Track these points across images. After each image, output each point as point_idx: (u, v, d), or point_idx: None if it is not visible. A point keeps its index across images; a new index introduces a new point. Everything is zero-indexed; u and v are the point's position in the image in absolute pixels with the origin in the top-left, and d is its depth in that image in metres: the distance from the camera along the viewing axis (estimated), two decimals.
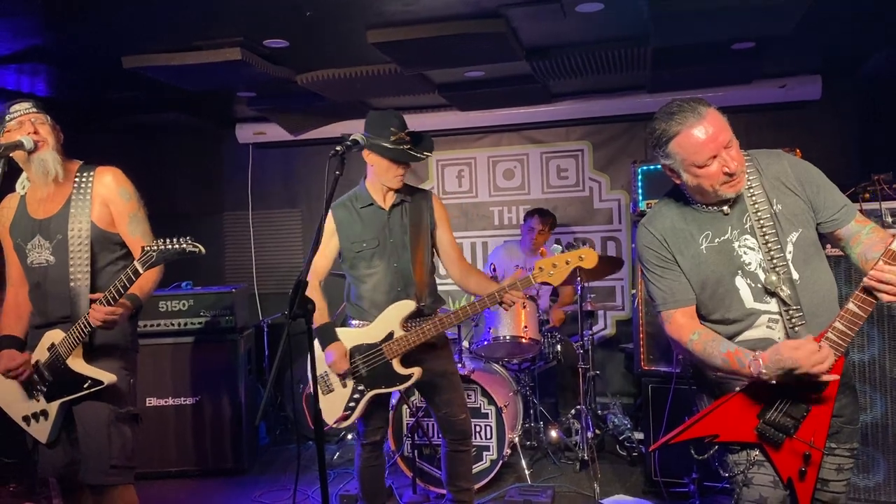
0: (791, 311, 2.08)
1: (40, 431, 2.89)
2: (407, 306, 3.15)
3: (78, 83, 4.70)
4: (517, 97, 5.35)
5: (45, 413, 2.87)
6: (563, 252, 2.95)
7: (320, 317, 3.19)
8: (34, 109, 2.81)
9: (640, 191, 4.29)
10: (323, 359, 3.18)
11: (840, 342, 1.97)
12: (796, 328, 2.08)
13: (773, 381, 2.00)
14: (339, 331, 3.21)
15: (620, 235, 5.88)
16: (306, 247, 6.36)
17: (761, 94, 5.21)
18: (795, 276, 2.11)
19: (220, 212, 6.46)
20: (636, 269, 4.22)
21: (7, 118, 2.79)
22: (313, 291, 3.21)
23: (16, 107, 2.80)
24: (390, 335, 3.13)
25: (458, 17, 3.60)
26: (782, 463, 2.10)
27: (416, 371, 3.15)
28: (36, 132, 2.78)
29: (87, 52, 4.03)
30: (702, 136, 2.04)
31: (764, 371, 1.98)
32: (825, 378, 1.94)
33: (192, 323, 4.87)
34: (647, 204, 4.24)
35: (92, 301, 2.74)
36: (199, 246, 2.61)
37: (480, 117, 5.76)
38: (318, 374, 3.21)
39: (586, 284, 4.57)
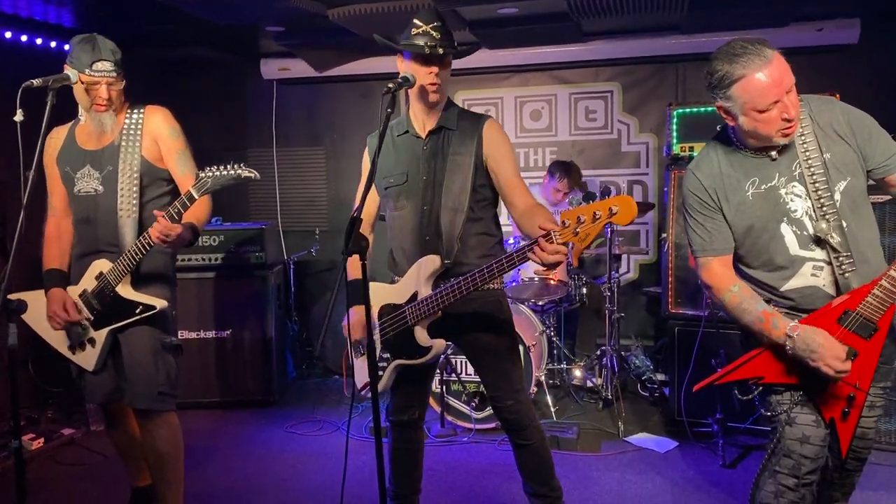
0: (841, 258, 2.11)
1: (86, 359, 2.97)
2: (430, 263, 2.59)
3: (104, 15, 4.65)
4: (548, 36, 5.24)
5: (92, 341, 2.95)
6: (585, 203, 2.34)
7: (353, 270, 2.72)
8: (114, 73, 2.80)
9: (674, 134, 4.26)
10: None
11: (893, 291, 2.02)
12: (846, 274, 2.11)
13: (790, 352, 2.09)
14: (373, 286, 2.65)
15: (647, 179, 5.85)
16: (330, 184, 6.37)
17: (797, 38, 5.09)
18: (844, 223, 2.12)
19: (244, 148, 6.44)
20: (666, 212, 4.23)
21: (87, 71, 2.75)
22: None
23: (98, 65, 2.75)
24: (414, 296, 2.60)
25: None
26: (826, 404, 2.16)
27: (436, 343, 2.60)
28: (109, 98, 2.81)
29: None
30: (767, 81, 2.02)
31: (792, 340, 2.08)
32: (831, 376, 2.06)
33: (222, 258, 4.94)
34: (682, 147, 4.22)
35: (141, 237, 2.78)
36: (254, 171, 2.63)
37: (509, 56, 5.66)
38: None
39: (615, 227, 4.58)
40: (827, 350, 2.04)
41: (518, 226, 2.62)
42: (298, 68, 5.89)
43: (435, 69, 2.55)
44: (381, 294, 2.70)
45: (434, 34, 2.53)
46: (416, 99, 2.65)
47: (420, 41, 2.52)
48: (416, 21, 2.56)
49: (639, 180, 5.87)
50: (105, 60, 2.76)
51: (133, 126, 2.90)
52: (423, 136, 2.68)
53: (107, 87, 2.80)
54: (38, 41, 4.81)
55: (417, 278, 2.60)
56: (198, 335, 4.91)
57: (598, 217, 2.10)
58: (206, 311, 4.92)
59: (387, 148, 2.70)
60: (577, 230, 2.13)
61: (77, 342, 2.96)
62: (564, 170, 5.08)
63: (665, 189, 4.31)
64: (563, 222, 2.16)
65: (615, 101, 5.86)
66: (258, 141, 6.46)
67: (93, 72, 2.75)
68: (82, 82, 2.78)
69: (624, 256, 5.86)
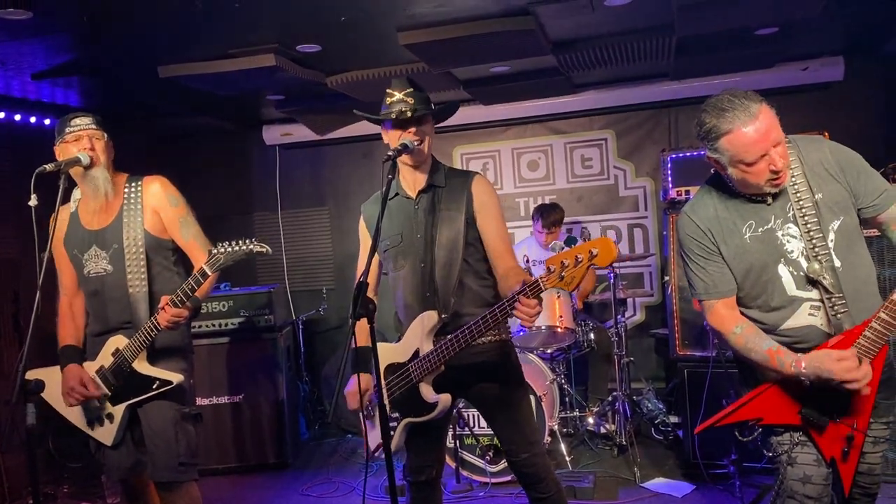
0: (833, 299, 2.13)
1: (105, 434, 2.99)
2: (430, 318, 2.64)
3: (110, 93, 4.80)
4: (541, 89, 5.39)
5: (110, 416, 2.97)
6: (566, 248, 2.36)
7: (361, 335, 2.81)
8: (94, 126, 2.88)
9: (669, 179, 4.35)
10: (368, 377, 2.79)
11: (885, 331, 2.03)
12: (838, 315, 2.13)
13: (808, 383, 2.10)
14: (380, 346, 2.60)
15: (647, 222, 5.93)
16: (335, 243, 6.46)
17: (783, 78, 5.22)
18: (837, 263, 2.15)
19: (250, 212, 6.57)
20: (669, 256, 4.28)
21: (66, 130, 2.85)
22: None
23: (76, 121, 2.85)
24: (416, 353, 2.65)
25: (488, 16, 3.66)
26: (826, 444, 2.17)
27: (442, 398, 2.61)
28: (92, 148, 2.86)
29: (121, 63, 4.13)
30: (753, 136, 2.06)
31: (803, 373, 2.08)
32: (862, 392, 2.04)
33: (233, 323, 5.00)
34: (678, 192, 4.30)
35: (154, 308, 2.84)
36: (266, 246, 2.69)
37: (504, 110, 5.82)
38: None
39: (618, 272, 4.64)
40: (842, 370, 2.02)
41: (500, 283, 2.71)
42: (300, 133, 6.04)
43: (413, 129, 2.66)
44: (385, 354, 2.71)
45: (408, 100, 2.65)
46: (405, 161, 2.73)
47: (395, 108, 2.65)
48: (388, 90, 2.69)
49: (639, 223, 5.95)
50: (82, 116, 2.86)
51: (133, 200, 2.95)
52: (414, 197, 2.76)
53: (89, 139, 2.86)
54: (47, 122, 4.96)
55: (420, 335, 2.65)
56: (210, 401, 4.94)
57: (580, 260, 2.20)
58: (217, 377, 4.96)
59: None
60: (563, 274, 2.22)
61: (95, 418, 2.99)
62: (539, 213, 5.25)
63: (665, 233, 4.37)
64: (548, 268, 2.25)
65: (610, 148, 5.98)
66: (264, 204, 6.59)
67: (72, 127, 2.84)
68: (66, 142, 2.85)
69: (629, 299, 5.90)
